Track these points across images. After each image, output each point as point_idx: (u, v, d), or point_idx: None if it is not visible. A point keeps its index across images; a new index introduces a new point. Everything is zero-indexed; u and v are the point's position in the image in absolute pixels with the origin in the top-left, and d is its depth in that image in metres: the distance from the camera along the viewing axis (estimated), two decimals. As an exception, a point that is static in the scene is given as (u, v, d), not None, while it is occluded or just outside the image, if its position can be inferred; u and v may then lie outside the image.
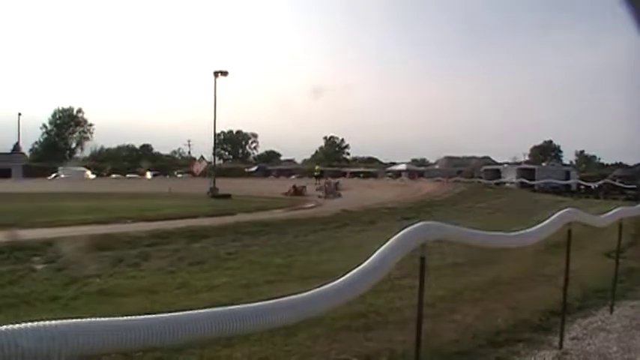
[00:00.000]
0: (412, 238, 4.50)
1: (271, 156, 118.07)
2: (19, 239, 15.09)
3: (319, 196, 41.94)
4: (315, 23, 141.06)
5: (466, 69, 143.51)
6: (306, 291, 3.43)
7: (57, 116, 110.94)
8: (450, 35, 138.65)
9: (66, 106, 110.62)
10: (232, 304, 2.96)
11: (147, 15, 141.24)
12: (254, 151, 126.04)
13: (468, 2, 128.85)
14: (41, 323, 2.17)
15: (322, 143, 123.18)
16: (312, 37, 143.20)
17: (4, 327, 2.10)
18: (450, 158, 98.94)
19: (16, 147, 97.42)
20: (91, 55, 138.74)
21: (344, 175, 78.93)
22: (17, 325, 2.12)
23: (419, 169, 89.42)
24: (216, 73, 47.79)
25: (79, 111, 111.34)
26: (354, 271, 3.91)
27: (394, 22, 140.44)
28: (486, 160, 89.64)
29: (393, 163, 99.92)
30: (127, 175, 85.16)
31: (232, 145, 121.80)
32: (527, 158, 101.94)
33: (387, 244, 4.32)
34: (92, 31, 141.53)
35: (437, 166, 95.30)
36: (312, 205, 32.16)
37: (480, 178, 63.57)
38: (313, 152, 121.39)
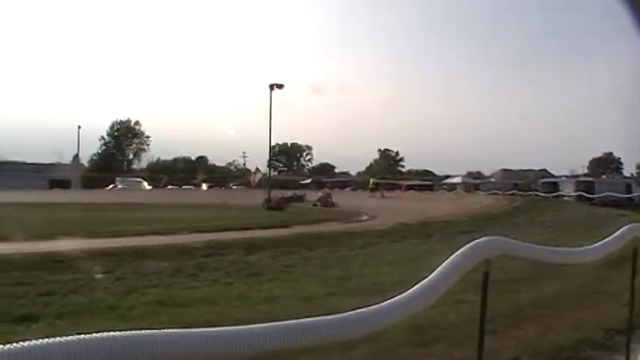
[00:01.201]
0: (477, 252, 4.41)
1: (326, 168, 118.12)
2: (80, 248, 15.35)
3: (314, 205, 44.22)
4: (371, 42, 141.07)
5: (522, 80, 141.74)
6: (373, 304, 3.38)
7: (115, 128, 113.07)
8: (503, 48, 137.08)
9: (124, 119, 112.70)
10: (292, 317, 2.93)
11: (204, 29, 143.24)
12: (308, 164, 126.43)
13: (518, 15, 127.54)
14: (112, 334, 2.17)
15: (377, 156, 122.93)
16: (367, 53, 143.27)
17: (76, 337, 2.10)
18: (506, 171, 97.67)
19: (76, 158, 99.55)
20: (149, 69, 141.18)
21: (399, 187, 78.54)
22: (87, 335, 2.12)
23: (474, 182, 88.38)
24: (271, 86, 48.13)
25: (137, 123, 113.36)
26: (420, 284, 3.85)
27: (441, 35, 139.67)
28: (543, 172, 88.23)
29: (448, 176, 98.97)
30: (183, 187, 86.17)
31: (287, 157, 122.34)
32: (585, 171, 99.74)
33: (452, 257, 4.24)
34: (151, 45, 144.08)
35: (493, 179, 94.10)
36: (366, 217, 32.01)
37: (537, 191, 62.45)
38: (368, 165, 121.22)
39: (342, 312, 3.14)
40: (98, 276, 12.28)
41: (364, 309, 3.28)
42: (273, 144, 57.30)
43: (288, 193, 51.43)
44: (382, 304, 3.46)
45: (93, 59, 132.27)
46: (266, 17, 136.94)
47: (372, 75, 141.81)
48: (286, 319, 2.88)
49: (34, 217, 26.71)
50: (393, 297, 3.65)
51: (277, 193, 47.12)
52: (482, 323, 4.76)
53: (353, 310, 3.20)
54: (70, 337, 2.07)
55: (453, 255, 4.30)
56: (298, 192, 56.18)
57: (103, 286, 11.33)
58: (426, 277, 4.02)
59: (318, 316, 3.00)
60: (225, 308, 9.64)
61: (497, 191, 62.41)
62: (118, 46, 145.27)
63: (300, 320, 2.87)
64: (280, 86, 48.75)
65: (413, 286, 3.86)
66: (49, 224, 23.02)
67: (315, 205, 44.70)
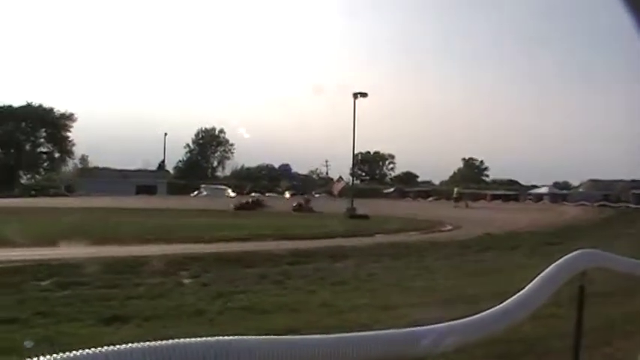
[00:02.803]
0: (574, 265, 4.27)
1: (408, 177, 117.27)
2: (167, 253, 15.69)
3: (293, 210, 46.41)
4: (451, 49, 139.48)
5: (614, 85, 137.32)
6: (466, 316, 3.30)
7: (200, 136, 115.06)
8: (597, 51, 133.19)
9: (209, 127, 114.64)
10: (377, 327, 2.87)
11: (288, 36, 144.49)
12: (391, 172, 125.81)
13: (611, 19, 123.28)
14: (214, 338, 2.17)
15: (461, 164, 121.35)
16: (448, 59, 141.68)
17: (177, 340, 2.10)
18: (594, 181, 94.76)
19: (162, 165, 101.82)
20: (234, 79, 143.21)
21: (484, 197, 77.34)
22: (187, 340, 2.12)
23: (561, 193, 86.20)
24: (355, 95, 48.10)
25: (221, 131, 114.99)
26: (515, 296, 3.74)
27: (528, 35, 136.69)
28: (635, 183, 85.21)
29: (534, 186, 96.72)
30: (266, 194, 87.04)
31: (369, 165, 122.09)
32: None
33: (548, 269, 4.11)
34: (233, 56, 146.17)
35: (581, 190, 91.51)
36: (450, 227, 31.59)
37: (628, 202, 60.40)
38: (451, 174, 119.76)
39: (430, 324, 3.07)
40: (185, 281, 12.51)
41: (456, 321, 3.20)
42: (356, 152, 57.16)
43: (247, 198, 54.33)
44: (475, 316, 3.38)
45: (181, 70, 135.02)
46: (345, 25, 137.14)
47: (457, 82, 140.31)
48: (373, 329, 2.83)
49: (124, 223, 27.44)
50: (485, 309, 3.55)
51: (363, 203, 47.07)
52: (577, 338, 4.60)
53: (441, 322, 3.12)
54: (161, 342, 2.08)
55: (550, 267, 4.17)
56: (259, 197, 58.99)
57: (191, 291, 11.53)
58: (517, 289, 3.91)
59: (401, 327, 2.95)
60: (309, 315, 9.65)
61: (585, 202, 60.70)
62: (205, 56, 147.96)
63: (393, 330, 2.82)
64: (364, 95, 48.70)
65: (507, 298, 3.75)
66: (138, 229, 23.62)
67: (294, 210, 46.71)
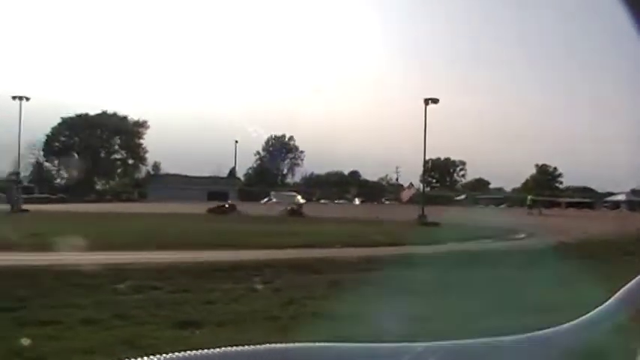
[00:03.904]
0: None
1: (479, 184, 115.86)
2: (239, 259, 15.88)
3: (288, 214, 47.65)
4: (524, 52, 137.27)
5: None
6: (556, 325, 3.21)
7: (270, 143, 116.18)
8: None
9: (279, 134, 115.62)
10: (446, 337, 2.80)
11: (356, 45, 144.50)
12: (462, 179, 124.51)
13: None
14: (283, 345, 2.15)
15: (533, 171, 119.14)
16: (521, 65, 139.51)
17: (255, 346, 2.09)
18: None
19: (232, 172, 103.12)
20: (301, 87, 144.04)
21: (558, 205, 75.77)
22: (260, 346, 2.10)
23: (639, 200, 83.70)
24: (426, 101, 47.89)
25: (291, 138, 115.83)
26: (599, 308, 3.62)
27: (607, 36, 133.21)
28: None
29: (611, 194, 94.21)
30: (336, 201, 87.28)
31: (440, 172, 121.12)
32: None
33: (632, 283, 3.96)
34: (304, 64, 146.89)
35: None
36: (523, 235, 31.04)
37: None
38: (523, 181, 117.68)
39: (510, 334, 3.00)
40: (258, 286, 12.62)
41: (541, 332, 3.13)
42: (426, 159, 56.86)
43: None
44: (560, 327, 3.29)
45: (252, 78, 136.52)
46: (415, 29, 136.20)
47: (531, 86, 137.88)
48: (446, 338, 2.78)
49: (196, 228, 27.90)
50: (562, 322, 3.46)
51: (433, 210, 46.71)
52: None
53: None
54: (239, 347, 2.08)
55: (635, 279, 4.02)
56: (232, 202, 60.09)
57: (263, 297, 11.64)
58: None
59: (468, 338, 2.88)
60: (370, 326, 9.58)
61: (667, 210, 58.86)
62: (276, 65, 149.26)
63: (473, 340, 2.76)
64: (435, 101, 48.44)
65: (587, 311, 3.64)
66: (211, 235, 23.98)
67: (288, 214, 48.20)
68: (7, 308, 10.11)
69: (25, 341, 8.24)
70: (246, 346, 1.95)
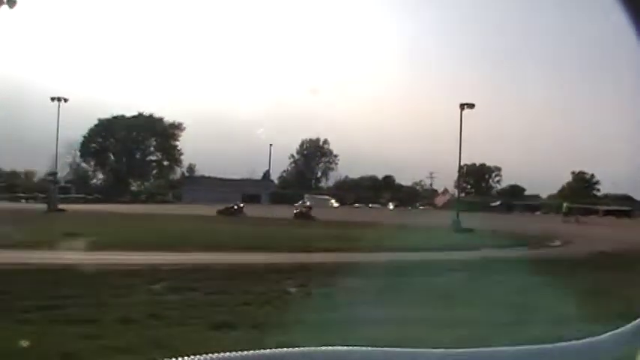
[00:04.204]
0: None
1: (515, 191, 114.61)
2: (275, 262, 15.93)
3: (295, 217, 48.75)
4: (561, 56, 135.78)
5: None
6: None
7: (304, 147, 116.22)
8: None
9: (313, 137, 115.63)
10: (478, 344, 2.75)
11: (392, 49, 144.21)
12: (497, 185, 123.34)
13: None
14: (312, 348, 2.12)
15: (570, 178, 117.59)
16: (557, 70, 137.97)
17: (287, 349, 2.07)
18: None
19: (266, 175, 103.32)
20: (337, 90, 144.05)
21: (595, 212, 74.73)
22: (285, 350, 2.08)
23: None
24: (462, 106, 47.60)
25: (325, 142, 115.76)
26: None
27: None
28: None
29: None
30: (369, 205, 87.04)
31: (475, 178, 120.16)
32: None
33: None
34: (338, 68, 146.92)
35: None
36: (559, 243, 30.66)
37: None
38: (560, 188, 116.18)
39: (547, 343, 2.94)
40: (292, 289, 12.65)
41: (580, 341, 3.06)
42: (461, 164, 56.54)
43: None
44: (601, 336, 3.22)
45: (287, 81, 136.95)
46: (451, 33, 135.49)
47: (567, 92, 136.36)
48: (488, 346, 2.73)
49: (230, 230, 28.06)
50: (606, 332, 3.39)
51: (468, 216, 46.41)
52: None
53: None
54: (271, 350, 2.06)
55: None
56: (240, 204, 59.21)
57: (297, 300, 11.64)
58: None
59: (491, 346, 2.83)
60: (413, 330, 9.53)
61: None
62: (310, 68, 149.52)
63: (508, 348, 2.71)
64: (471, 106, 48.14)
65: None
66: (246, 237, 24.11)
67: (295, 217, 49.06)
68: (44, 306, 10.26)
69: (60, 338, 8.37)
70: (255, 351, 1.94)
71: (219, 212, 51.21)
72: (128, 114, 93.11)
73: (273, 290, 12.55)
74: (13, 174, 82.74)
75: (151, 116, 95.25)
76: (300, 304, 11.65)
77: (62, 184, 73.34)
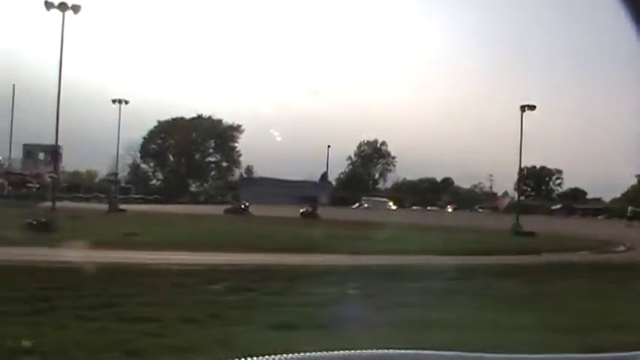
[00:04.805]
0: None
1: (576, 194, 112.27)
2: (330, 263, 15.92)
3: (301, 215, 50.26)
4: (623, 53, 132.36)
5: None
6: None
7: (362, 148, 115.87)
8: None
9: (371, 139, 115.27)
10: (545, 350, 2.65)
11: (450, 50, 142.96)
12: (558, 188, 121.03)
13: None
14: (389, 351, 2.08)
15: (634, 181, 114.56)
16: (620, 69, 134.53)
17: (350, 351, 2.03)
18: None
19: (324, 176, 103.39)
20: (393, 93, 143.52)
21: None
22: (359, 350, 2.04)
23: None
24: (523, 107, 46.87)
25: (383, 144, 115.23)
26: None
27: None
28: None
29: None
30: (428, 208, 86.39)
31: (535, 181, 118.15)
32: None
33: None
34: (396, 69, 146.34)
35: None
36: (623, 248, 29.92)
37: None
38: (624, 191, 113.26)
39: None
40: (351, 291, 12.60)
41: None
42: (521, 167, 55.72)
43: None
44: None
45: (346, 84, 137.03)
46: (511, 32, 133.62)
47: (632, 90, 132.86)
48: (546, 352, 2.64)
49: (289, 231, 28.17)
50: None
51: (528, 219, 45.67)
52: None
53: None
54: (332, 352, 2.03)
55: None
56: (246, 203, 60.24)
57: (354, 301, 11.59)
58: None
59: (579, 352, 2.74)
60: (475, 334, 9.39)
61: None
62: (369, 70, 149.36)
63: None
64: (532, 107, 47.35)
65: None
66: (305, 239, 24.20)
67: (302, 215, 50.35)
68: (107, 304, 10.44)
69: (124, 336, 8.49)
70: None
71: (227, 211, 53.42)
72: (188, 116, 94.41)
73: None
74: (76, 174, 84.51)
75: (210, 118, 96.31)
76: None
77: (122, 184, 74.61)
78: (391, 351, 2.09)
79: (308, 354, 1.92)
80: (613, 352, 2.75)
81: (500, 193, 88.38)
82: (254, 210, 52.85)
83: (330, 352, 2.02)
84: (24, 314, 9.53)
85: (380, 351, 2.07)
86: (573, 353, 2.52)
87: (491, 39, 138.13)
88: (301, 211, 52.74)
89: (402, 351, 2.12)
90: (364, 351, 2.03)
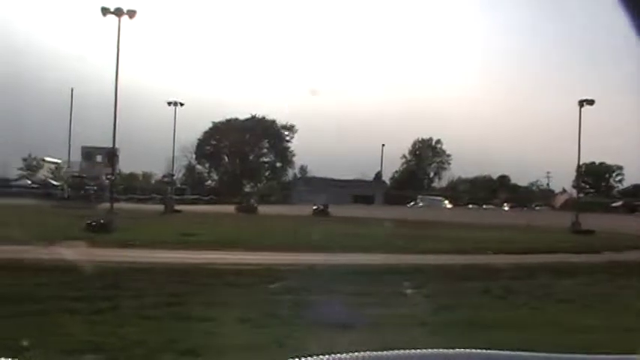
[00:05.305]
0: None
1: (638, 191, 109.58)
2: (388, 263, 15.83)
3: (314, 212, 50.89)
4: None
5: None
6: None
7: (416, 147, 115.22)
8: None
9: (425, 137, 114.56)
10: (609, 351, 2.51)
11: (506, 46, 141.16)
12: (618, 185, 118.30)
13: None
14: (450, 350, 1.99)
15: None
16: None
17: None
18: None
19: (379, 175, 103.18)
20: (448, 90, 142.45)
21: None
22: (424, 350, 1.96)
23: None
24: (581, 102, 45.97)
25: (438, 142, 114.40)
26: None
27: None
28: None
29: None
30: (484, 206, 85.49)
31: (594, 178, 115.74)
32: None
33: None
34: (453, 67, 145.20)
35: None
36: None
37: None
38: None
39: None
40: (408, 291, 12.50)
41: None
42: (580, 163, 54.71)
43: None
44: None
45: (398, 82, 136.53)
46: (572, 26, 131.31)
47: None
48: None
49: (346, 232, 28.15)
50: None
51: (587, 217, 44.77)
52: None
53: None
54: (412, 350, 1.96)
55: None
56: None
57: (413, 302, 11.51)
58: None
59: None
60: (536, 333, 9.23)
61: None
62: (423, 69, 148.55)
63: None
64: (591, 102, 46.39)
65: None
66: (369, 238, 24.23)
67: (314, 212, 51.31)
68: (165, 303, 10.56)
69: (181, 334, 8.57)
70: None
71: (237, 209, 54.65)
72: (242, 116, 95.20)
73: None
74: (132, 176, 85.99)
75: (263, 118, 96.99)
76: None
77: (178, 185, 75.55)
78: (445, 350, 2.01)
79: (362, 353, 1.86)
80: (622, 353, 2.62)
81: (557, 191, 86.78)
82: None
83: (387, 352, 1.96)
84: (87, 313, 9.70)
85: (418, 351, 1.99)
86: (574, 353, 2.41)
87: (550, 34, 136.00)
88: (313, 207, 53.71)
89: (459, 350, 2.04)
90: (413, 351, 1.96)
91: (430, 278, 14.01)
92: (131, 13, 38.31)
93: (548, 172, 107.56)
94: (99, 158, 61.15)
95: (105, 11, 38.05)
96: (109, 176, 51.87)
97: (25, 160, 77.92)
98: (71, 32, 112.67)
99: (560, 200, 65.25)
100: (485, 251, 21.37)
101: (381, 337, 8.47)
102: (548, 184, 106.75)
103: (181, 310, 10.12)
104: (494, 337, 8.82)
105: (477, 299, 12.09)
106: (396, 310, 10.68)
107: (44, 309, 9.76)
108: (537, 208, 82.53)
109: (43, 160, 74.38)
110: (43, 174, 74.20)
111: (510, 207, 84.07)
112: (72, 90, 62.29)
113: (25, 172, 77.52)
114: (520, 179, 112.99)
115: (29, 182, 70.25)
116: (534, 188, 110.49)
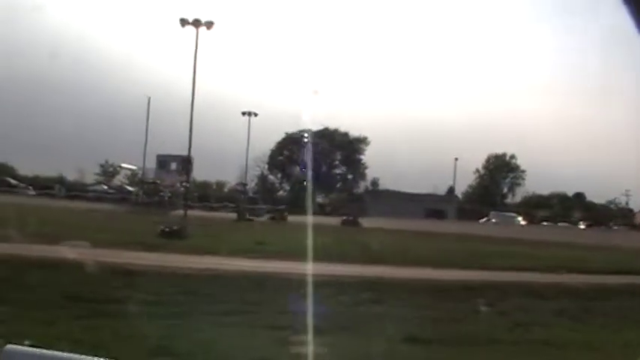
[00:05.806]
0: None
1: None
2: (464, 279, 15.69)
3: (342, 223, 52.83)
4: None
5: None
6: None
7: (490, 161, 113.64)
8: None
9: (499, 152, 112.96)
10: None
11: (577, 56, 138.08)
12: None
13: None
14: None
15: None
16: None
17: None
18: None
19: (451, 190, 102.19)
20: (522, 102, 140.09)
21: None
22: None
23: None
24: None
25: (512, 157, 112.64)
26: None
27: None
28: None
29: None
30: (558, 224, 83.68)
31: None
32: None
33: None
34: (525, 78, 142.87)
35: None
36: None
37: None
38: None
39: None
40: (482, 308, 12.38)
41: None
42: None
43: None
44: None
45: (471, 96, 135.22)
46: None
47: None
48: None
49: (422, 247, 28.00)
50: None
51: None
52: None
53: None
54: None
55: None
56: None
57: (487, 319, 11.38)
58: None
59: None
60: (610, 356, 9.01)
61: None
62: (497, 79, 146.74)
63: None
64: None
65: None
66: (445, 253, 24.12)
67: (343, 223, 53.17)
68: (239, 311, 10.69)
69: (256, 342, 8.66)
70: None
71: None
72: (314, 128, 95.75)
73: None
74: (205, 184, 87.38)
75: (336, 130, 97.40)
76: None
77: (250, 194, 76.35)
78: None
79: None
80: None
81: (637, 210, 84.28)
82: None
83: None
84: (160, 317, 9.88)
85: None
86: None
87: (623, 40, 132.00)
88: (343, 219, 57.06)
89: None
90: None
91: (503, 295, 13.81)
92: (209, 25, 39.13)
93: (627, 190, 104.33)
94: (173, 166, 62.28)
95: (183, 22, 38.92)
96: (183, 184, 52.82)
97: (102, 165, 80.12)
98: (150, 43, 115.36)
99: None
100: (557, 270, 20.90)
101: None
102: (627, 203, 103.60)
103: (252, 318, 10.17)
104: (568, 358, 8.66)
105: (551, 319, 11.86)
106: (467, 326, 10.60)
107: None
108: (615, 227, 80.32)
109: (120, 167, 76.32)
110: (119, 180, 76.30)
111: (587, 225, 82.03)
112: (149, 99, 63.84)
113: (101, 178, 79.80)
114: (597, 197, 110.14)
115: (105, 187, 72.31)
116: (612, 207, 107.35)
